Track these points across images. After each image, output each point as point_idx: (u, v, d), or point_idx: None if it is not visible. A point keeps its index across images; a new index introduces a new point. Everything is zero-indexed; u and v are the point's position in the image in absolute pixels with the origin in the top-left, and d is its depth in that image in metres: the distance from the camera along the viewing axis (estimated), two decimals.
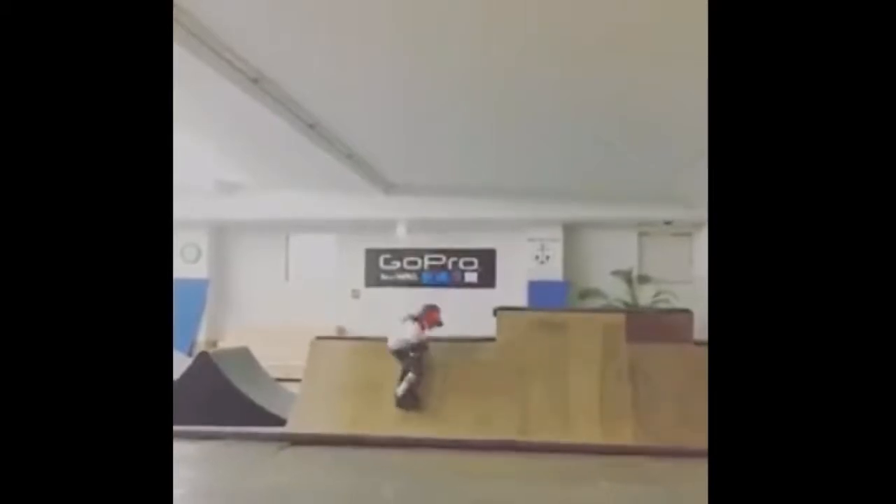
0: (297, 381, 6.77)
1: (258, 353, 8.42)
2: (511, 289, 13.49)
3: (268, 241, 14.69)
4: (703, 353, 5.89)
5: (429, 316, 6.45)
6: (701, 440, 4.60)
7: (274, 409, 6.62)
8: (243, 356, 7.98)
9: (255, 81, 7.16)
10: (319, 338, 6.79)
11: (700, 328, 6.75)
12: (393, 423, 5.68)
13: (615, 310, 10.60)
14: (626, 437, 5.40)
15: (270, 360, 8.79)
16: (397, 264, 14.54)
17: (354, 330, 13.18)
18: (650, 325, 6.08)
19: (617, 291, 13.59)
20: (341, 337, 11.24)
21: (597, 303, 13.45)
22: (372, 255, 14.61)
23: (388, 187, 12.94)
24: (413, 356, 6.03)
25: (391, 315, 13.32)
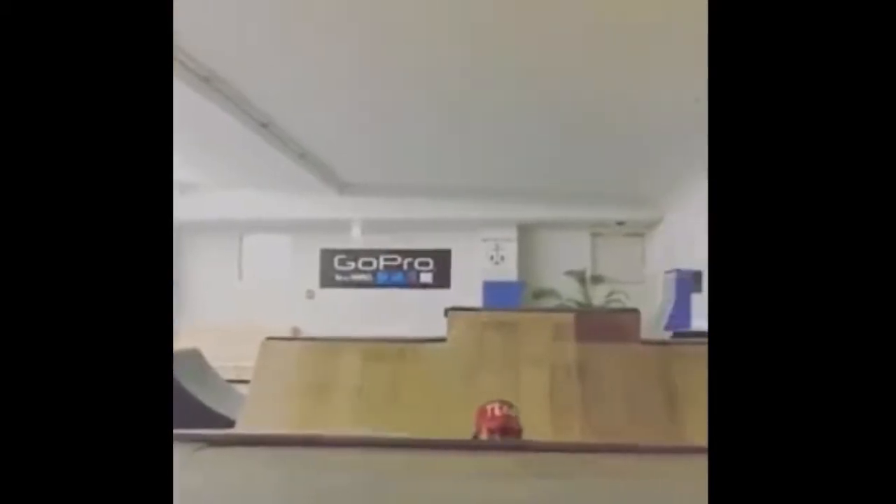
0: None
1: (211, 353, 8.33)
2: (466, 289, 13.53)
3: (221, 241, 14.53)
4: (650, 351, 6.02)
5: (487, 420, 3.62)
6: (650, 437, 4.65)
7: (224, 410, 6.56)
8: (194, 357, 7.90)
9: (207, 80, 7.10)
10: (270, 338, 6.75)
11: (647, 328, 6.88)
12: (344, 424, 5.68)
13: (565, 309, 10.72)
14: (575, 435, 5.46)
15: (223, 360, 8.72)
16: (352, 265, 14.50)
17: (309, 331, 13.12)
18: (599, 325, 6.17)
19: (570, 291, 13.72)
20: (293, 337, 11.16)
21: (551, 303, 13.57)
22: (327, 256, 14.55)
23: (343, 187, 12.90)
24: None
25: (346, 316, 13.47)
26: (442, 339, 6.34)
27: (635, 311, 6.41)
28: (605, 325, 6.08)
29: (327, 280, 14.52)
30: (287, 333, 12.33)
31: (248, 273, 14.75)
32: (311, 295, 14.45)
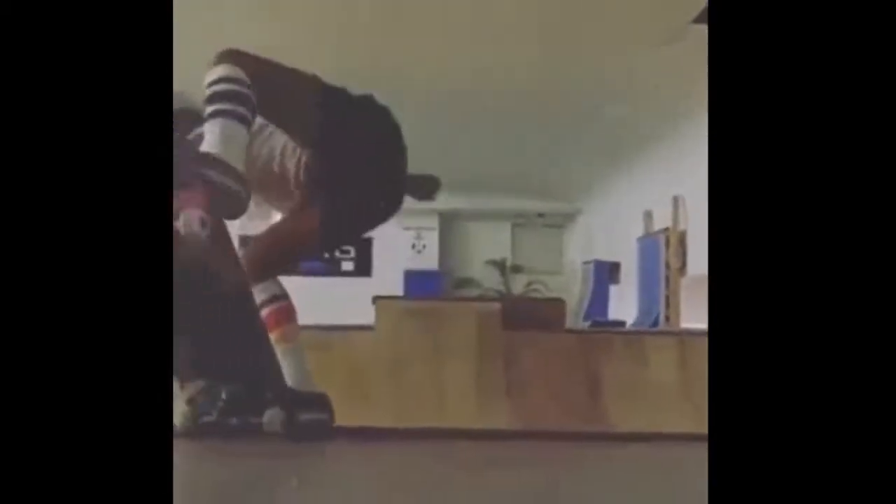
0: None
1: None
2: (388, 278, 13.47)
3: None
4: (573, 340, 6.12)
5: None
6: (575, 424, 4.72)
7: None
8: None
9: None
10: None
11: (570, 317, 7.04)
12: None
13: (491, 298, 10.83)
14: (502, 422, 5.52)
15: None
16: None
17: None
18: (525, 314, 6.24)
19: (491, 281, 13.86)
20: None
21: (472, 292, 13.68)
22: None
23: None
24: None
25: None
26: (369, 328, 6.30)
27: (560, 301, 6.52)
28: (531, 315, 6.17)
29: None
30: None
31: None
32: None
